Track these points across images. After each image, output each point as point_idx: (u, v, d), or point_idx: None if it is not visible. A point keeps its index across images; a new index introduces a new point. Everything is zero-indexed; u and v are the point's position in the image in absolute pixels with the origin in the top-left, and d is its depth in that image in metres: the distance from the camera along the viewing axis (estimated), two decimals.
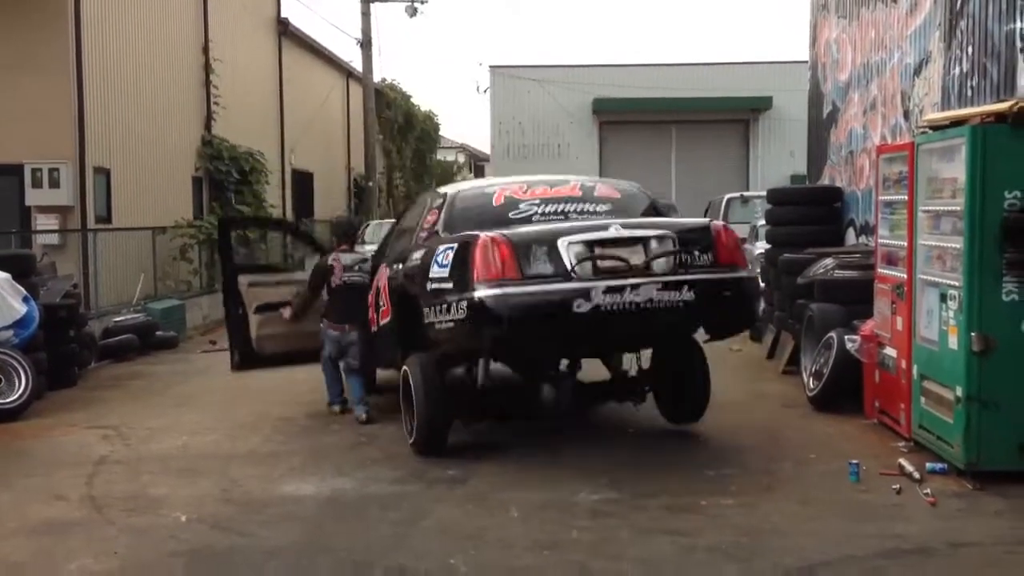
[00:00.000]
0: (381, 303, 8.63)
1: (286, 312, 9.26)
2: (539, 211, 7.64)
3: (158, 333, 13.96)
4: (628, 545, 5.53)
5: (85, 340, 11.96)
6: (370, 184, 28.30)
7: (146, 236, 16.26)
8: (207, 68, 19.86)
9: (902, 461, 6.83)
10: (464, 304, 6.78)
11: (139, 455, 7.81)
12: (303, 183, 26.39)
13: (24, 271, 10.48)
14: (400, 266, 8.19)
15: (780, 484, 6.63)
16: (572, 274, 6.69)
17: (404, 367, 7.74)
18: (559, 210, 7.67)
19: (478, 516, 6.07)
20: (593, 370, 8.70)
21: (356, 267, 9.00)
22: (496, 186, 8.15)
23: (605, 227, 6.94)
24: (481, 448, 7.71)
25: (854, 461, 6.73)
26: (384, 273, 8.62)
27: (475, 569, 5.19)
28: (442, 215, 7.89)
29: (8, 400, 9.22)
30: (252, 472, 7.19)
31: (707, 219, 7.40)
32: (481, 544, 5.56)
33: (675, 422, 8.28)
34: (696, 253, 6.99)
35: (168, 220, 17.12)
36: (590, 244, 6.78)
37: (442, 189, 8.63)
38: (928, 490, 6.30)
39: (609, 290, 6.62)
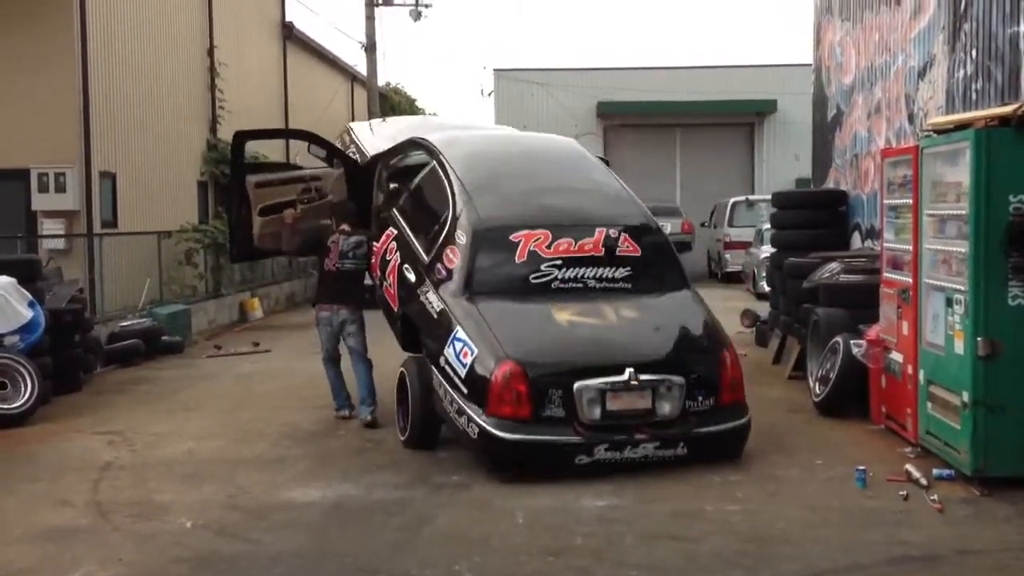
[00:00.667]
0: (388, 282, 8.85)
1: (288, 215, 9.60)
2: (559, 276, 7.71)
3: (164, 338, 13.96)
4: (633, 551, 5.52)
5: (91, 345, 11.98)
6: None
7: (152, 241, 16.27)
8: (212, 72, 19.89)
9: (909, 467, 6.81)
10: (475, 427, 6.99)
11: (144, 461, 7.81)
12: None
13: (30, 276, 10.49)
14: (413, 279, 8.34)
15: (786, 490, 6.62)
16: (581, 422, 6.89)
17: (401, 369, 8.08)
18: (579, 276, 7.74)
19: (483, 522, 6.06)
20: None
21: (351, 253, 9.07)
22: (521, 231, 7.88)
23: (621, 369, 6.97)
24: None
25: (861, 467, 6.72)
26: (395, 255, 8.78)
27: (480, 575, 5.18)
28: (463, 260, 7.81)
29: (14, 405, 9.23)
30: (257, 478, 7.19)
31: (720, 343, 7.63)
32: (486, 550, 5.55)
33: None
34: (699, 397, 7.21)
35: (174, 224, 17.13)
36: (602, 390, 6.93)
37: (467, 208, 8.15)
38: (935, 496, 6.28)
39: (611, 447, 6.90)
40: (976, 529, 5.80)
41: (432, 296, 7.91)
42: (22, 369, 9.42)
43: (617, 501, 6.41)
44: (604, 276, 7.82)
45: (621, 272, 7.89)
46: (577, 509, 6.26)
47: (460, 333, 7.35)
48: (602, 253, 7.88)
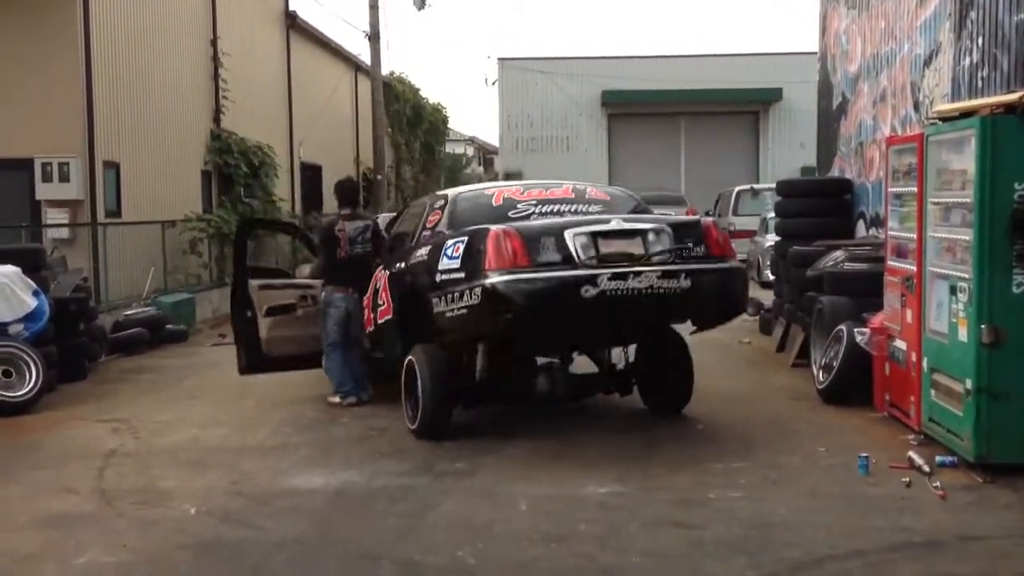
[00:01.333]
0: (380, 302, 8.84)
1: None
2: (536, 210, 8.02)
3: (168, 327, 13.99)
4: (636, 538, 5.52)
5: (95, 334, 12.01)
6: (379, 177, 28.28)
7: (156, 230, 16.29)
8: (216, 61, 19.86)
9: (912, 454, 6.81)
10: (478, 291, 7.14)
11: (149, 448, 7.83)
12: (312, 176, 26.39)
13: (34, 265, 10.51)
14: (402, 264, 8.47)
15: (789, 477, 6.62)
16: (579, 262, 7.12)
17: (409, 357, 8.05)
18: (555, 210, 8.06)
19: (486, 509, 6.08)
20: (583, 365, 8.81)
21: (359, 238, 9.23)
22: (494, 189, 8.59)
23: (607, 220, 7.44)
24: (489, 442, 7.72)
25: (864, 454, 6.72)
26: (383, 276, 8.84)
27: (483, 562, 5.20)
28: (445, 214, 8.25)
29: (19, 393, 9.25)
30: (261, 465, 7.21)
31: (697, 216, 7.86)
32: (489, 537, 5.56)
33: (659, 413, 8.53)
34: (690, 245, 7.47)
35: (178, 214, 17.14)
36: (593, 235, 7.24)
37: (442, 192, 8.99)
38: (938, 483, 6.28)
39: (614, 276, 7.06)
40: (978, 516, 5.79)
41: (421, 250, 8.14)
42: (27, 357, 9.44)
43: (620, 488, 6.42)
44: (578, 211, 8.09)
45: (594, 207, 8.21)
46: (580, 496, 6.27)
47: (449, 241, 7.69)
48: (572, 196, 8.33)
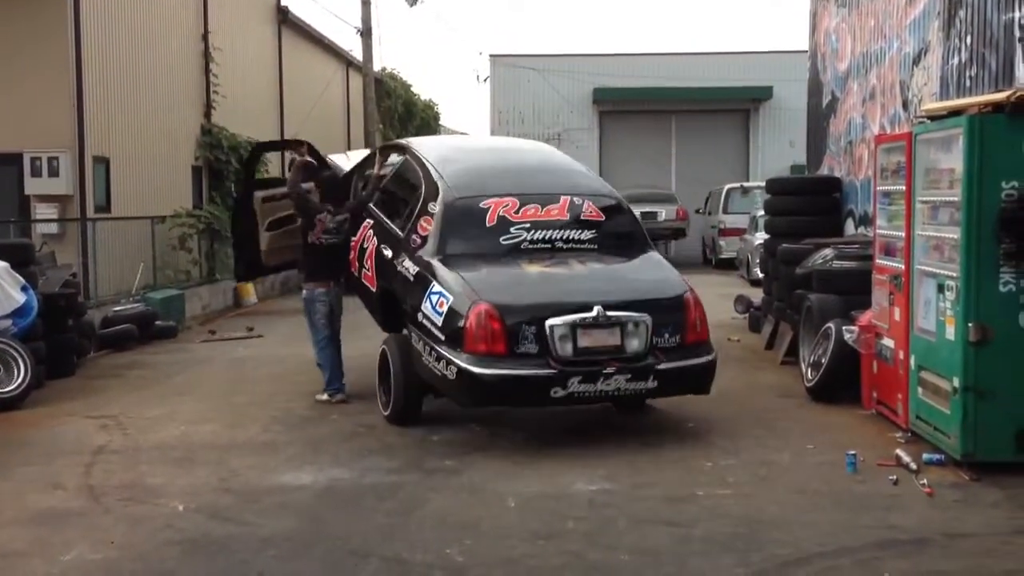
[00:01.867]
0: (366, 266, 9.11)
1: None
2: (528, 238, 8.08)
3: (157, 323, 13.95)
4: (625, 535, 5.53)
5: (84, 329, 11.97)
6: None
7: (145, 225, 16.25)
8: (207, 56, 19.80)
9: (899, 452, 6.84)
10: (454, 368, 7.29)
11: (137, 444, 7.81)
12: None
13: (23, 260, 10.47)
14: (390, 255, 8.62)
15: (777, 475, 6.64)
16: (554, 356, 7.21)
17: (383, 346, 8.43)
18: (547, 237, 8.12)
19: (474, 506, 6.08)
20: None
21: (335, 229, 9.30)
22: (490, 200, 8.26)
23: (589, 307, 7.33)
24: (477, 440, 7.73)
25: (851, 452, 6.74)
26: (372, 240, 9.04)
27: (471, 559, 5.20)
28: (436, 226, 8.16)
29: (7, 389, 9.22)
30: (250, 462, 7.20)
31: (681, 288, 7.96)
32: (477, 534, 5.57)
33: (623, 407, 8.52)
34: (666, 335, 7.53)
35: (167, 209, 17.09)
36: (573, 326, 7.28)
37: (440, 183, 8.47)
38: (925, 481, 6.30)
39: (584, 379, 7.21)
40: (965, 513, 5.82)
41: (408, 263, 8.22)
42: (15, 353, 9.41)
43: (609, 486, 6.43)
44: (571, 237, 8.19)
45: (587, 234, 8.27)
46: (569, 494, 6.28)
47: (436, 287, 7.70)
48: (567, 218, 8.31)
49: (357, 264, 9.35)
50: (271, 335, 14.10)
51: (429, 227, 8.23)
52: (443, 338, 7.46)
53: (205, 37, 19.74)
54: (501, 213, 8.18)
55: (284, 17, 25.05)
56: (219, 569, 5.12)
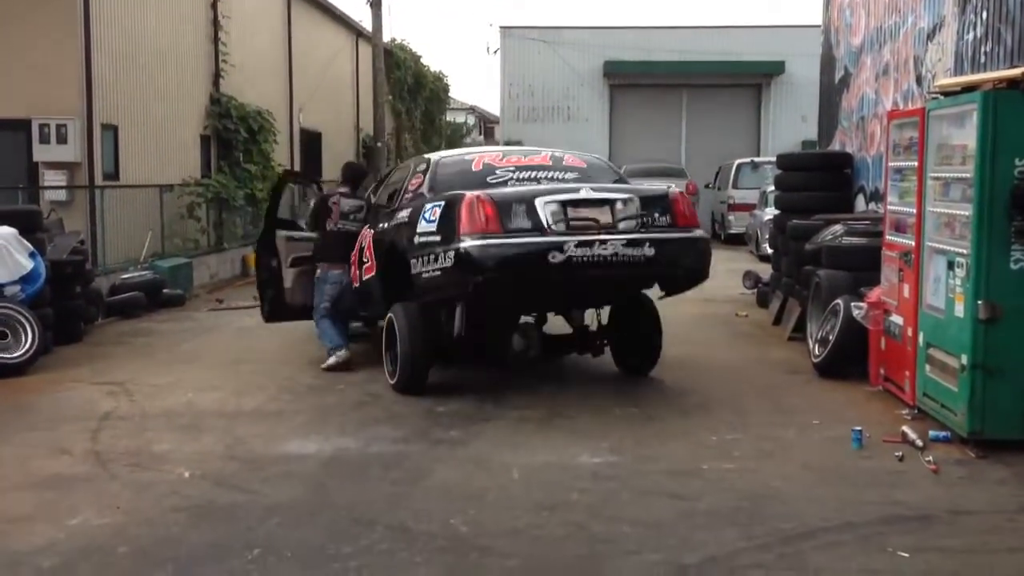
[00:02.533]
0: (365, 259, 9.19)
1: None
2: (514, 176, 8.36)
3: (165, 291, 13.98)
4: (628, 507, 5.54)
5: (92, 297, 12.00)
6: (379, 145, 28.18)
7: (153, 194, 16.24)
8: (215, 25, 19.71)
9: (905, 428, 6.82)
10: (451, 254, 7.51)
11: (144, 411, 7.83)
12: (311, 143, 26.28)
13: (31, 227, 10.48)
14: (385, 224, 8.82)
15: (782, 450, 6.63)
16: (548, 229, 7.47)
17: (389, 314, 8.42)
18: (531, 176, 8.40)
19: (479, 477, 6.09)
20: (557, 326, 9.20)
21: (352, 215, 9.46)
22: (475, 154, 8.92)
23: (576, 189, 7.76)
24: (483, 411, 7.74)
25: (857, 428, 6.73)
26: (367, 233, 9.21)
27: (475, 529, 5.21)
28: (426, 178, 8.59)
29: (14, 355, 9.25)
30: (256, 430, 7.21)
31: (666, 188, 8.40)
32: (482, 504, 5.58)
33: (629, 373, 8.95)
34: (656, 215, 7.80)
35: (176, 178, 17.08)
36: (563, 204, 7.57)
37: (426, 156, 9.31)
38: (930, 458, 6.29)
39: (580, 244, 7.42)
40: (970, 491, 5.81)
41: (402, 212, 8.49)
42: (23, 319, 9.43)
43: (614, 459, 6.43)
44: (555, 178, 8.45)
45: (570, 175, 8.53)
46: (574, 466, 6.28)
47: (428, 205, 8.04)
48: (550, 163, 8.66)
49: (358, 272, 9.29)
50: None
51: (420, 181, 8.64)
52: (440, 239, 7.68)
53: (214, 5, 19.62)
54: (486, 161, 8.63)
55: None
56: (224, 536, 5.14)
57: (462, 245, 7.42)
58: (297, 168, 24.48)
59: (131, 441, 6.95)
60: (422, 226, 7.93)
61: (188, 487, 5.93)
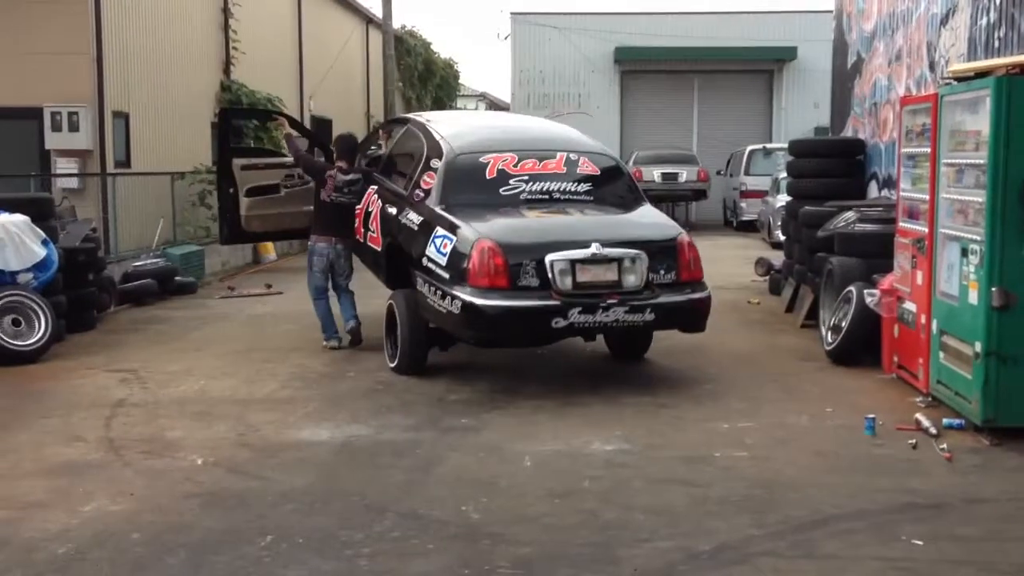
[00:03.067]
0: (371, 229, 9.45)
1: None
2: (527, 188, 8.43)
3: (177, 278, 14.00)
4: (640, 495, 5.53)
5: (104, 284, 12.02)
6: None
7: (165, 181, 16.27)
8: (226, 12, 19.71)
9: (919, 416, 6.80)
10: (458, 302, 7.58)
11: (157, 399, 7.86)
12: (322, 130, 26.27)
13: (43, 214, 10.50)
14: (394, 212, 8.93)
15: (795, 437, 6.62)
16: (554, 287, 7.52)
17: (390, 301, 8.72)
18: (545, 188, 8.47)
19: (491, 465, 6.09)
20: None
21: (346, 188, 9.56)
22: (490, 154, 8.65)
23: (587, 244, 7.66)
24: (494, 399, 7.74)
25: (870, 415, 6.71)
26: (376, 203, 9.40)
27: (487, 516, 5.21)
28: (439, 180, 8.54)
29: (28, 343, 9.29)
30: (268, 417, 7.23)
31: (675, 231, 8.30)
32: (494, 492, 5.58)
33: (621, 358, 9.15)
34: (661, 272, 7.86)
35: (187, 165, 17.09)
36: (572, 262, 7.59)
37: (440, 138, 9.00)
38: (944, 445, 6.27)
39: (583, 311, 7.51)
40: (984, 479, 5.79)
41: (412, 215, 8.57)
42: (36, 307, 9.46)
43: (626, 446, 6.43)
44: (567, 189, 8.54)
45: (583, 187, 8.64)
46: (586, 454, 6.28)
47: (439, 231, 8.04)
48: (564, 171, 8.67)
49: (362, 229, 9.63)
50: (290, 292, 14.10)
51: (432, 181, 8.59)
52: (447, 277, 7.76)
53: None
54: (500, 167, 8.55)
55: None
56: (237, 522, 5.15)
57: (470, 299, 7.49)
58: None
59: (144, 428, 6.98)
60: (431, 251, 8.00)
61: (201, 474, 5.96)
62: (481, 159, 8.64)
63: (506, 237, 7.71)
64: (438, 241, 7.97)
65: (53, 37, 14.40)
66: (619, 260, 7.69)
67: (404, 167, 9.45)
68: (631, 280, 7.68)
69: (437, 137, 9.02)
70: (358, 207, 9.67)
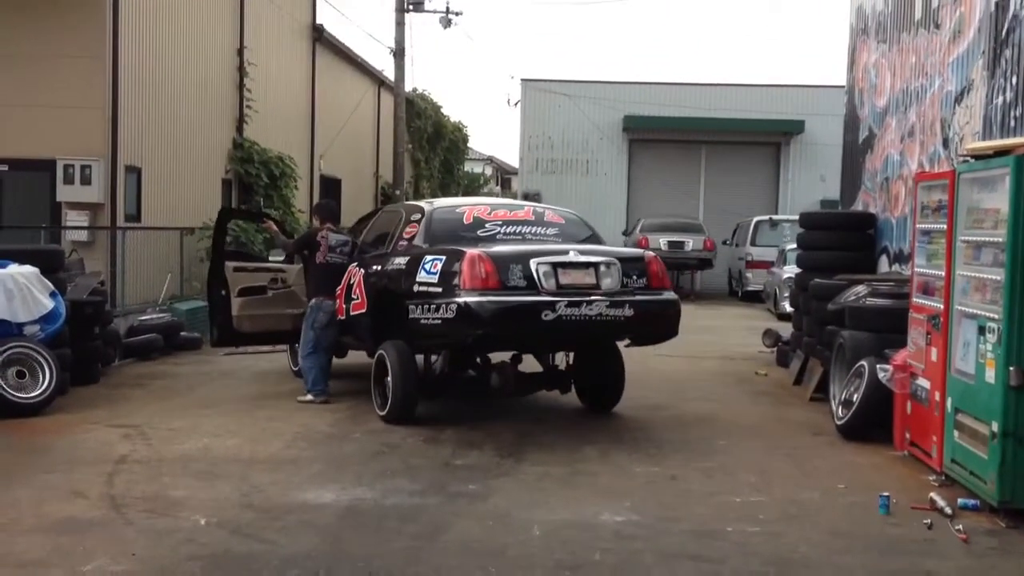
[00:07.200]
0: (354, 296, 9.82)
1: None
2: (501, 231, 9.24)
3: (182, 334, 13.96)
4: (652, 569, 5.42)
5: (110, 338, 11.97)
6: (397, 193, 28.28)
7: (174, 236, 16.30)
8: (241, 71, 19.92)
9: (934, 495, 6.69)
10: (453, 307, 8.17)
11: (160, 456, 7.76)
12: (331, 189, 26.40)
13: (52, 266, 10.48)
14: (379, 267, 9.46)
15: (808, 514, 6.51)
16: (540, 288, 8.24)
17: (380, 351, 9.11)
18: (517, 231, 9.31)
19: (499, 533, 5.98)
20: (529, 365, 9.73)
21: (339, 249, 10.14)
22: (465, 207, 9.73)
23: (565, 252, 8.61)
24: (501, 464, 7.65)
25: (884, 493, 6.60)
26: (358, 273, 9.83)
27: None
28: (421, 228, 9.34)
29: (31, 395, 9.21)
30: (272, 478, 7.13)
31: (641, 252, 9.32)
32: (502, 562, 5.47)
33: (593, 408, 9.81)
34: (634, 277, 8.69)
35: (196, 221, 17.13)
36: (554, 265, 8.35)
37: (419, 203, 10.24)
38: (960, 526, 6.16)
39: (570, 304, 8.21)
40: (1001, 561, 5.68)
41: (399, 259, 9.17)
42: (41, 359, 9.40)
43: (636, 517, 6.32)
44: (537, 232, 9.40)
45: (551, 230, 9.49)
46: (595, 524, 6.17)
47: (428, 257, 8.71)
48: (533, 218, 9.58)
49: (344, 306, 9.94)
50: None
51: (414, 230, 9.37)
52: (441, 290, 8.34)
53: (240, 52, 19.86)
54: (476, 215, 9.43)
55: (319, 35, 25.20)
56: None
57: (464, 299, 8.08)
58: None
59: (147, 486, 6.87)
60: (422, 276, 8.59)
61: (204, 535, 5.85)
62: (457, 210, 9.65)
63: (493, 250, 8.49)
64: (428, 265, 8.60)
65: (70, 91, 14.52)
66: (596, 265, 8.51)
67: (383, 234, 10.02)
68: (608, 283, 8.46)
69: (414, 202, 9.94)
70: (338, 288, 10.00)
